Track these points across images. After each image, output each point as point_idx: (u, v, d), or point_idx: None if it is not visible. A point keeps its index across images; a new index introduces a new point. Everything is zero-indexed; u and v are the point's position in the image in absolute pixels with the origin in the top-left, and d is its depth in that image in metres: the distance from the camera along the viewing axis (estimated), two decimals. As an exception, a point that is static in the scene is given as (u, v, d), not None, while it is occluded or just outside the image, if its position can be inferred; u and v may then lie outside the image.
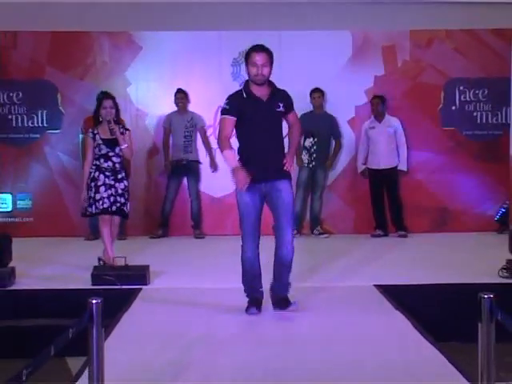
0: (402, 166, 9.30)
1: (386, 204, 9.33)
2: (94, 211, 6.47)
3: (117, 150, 6.46)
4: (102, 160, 6.44)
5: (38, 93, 9.39)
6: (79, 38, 9.47)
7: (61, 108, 9.47)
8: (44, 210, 9.40)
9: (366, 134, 9.27)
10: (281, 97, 5.25)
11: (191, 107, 9.34)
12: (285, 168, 5.20)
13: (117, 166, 6.48)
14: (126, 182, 6.55)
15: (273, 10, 9.31)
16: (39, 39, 9.44)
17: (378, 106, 9.20)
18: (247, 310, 5.17)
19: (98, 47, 9.51)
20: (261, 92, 5.17)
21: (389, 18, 9.93)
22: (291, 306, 5.17)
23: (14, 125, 9.44)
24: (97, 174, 6.43)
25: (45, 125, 9.48)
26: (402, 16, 9.93)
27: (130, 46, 9.54)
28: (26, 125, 9.46)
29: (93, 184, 6.43)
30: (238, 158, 5.19)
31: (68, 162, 9.45)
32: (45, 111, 9.46)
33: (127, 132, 6.61)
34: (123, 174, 6.53)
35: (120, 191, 6.46)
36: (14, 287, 6.07)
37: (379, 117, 9.24)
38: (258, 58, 5.06)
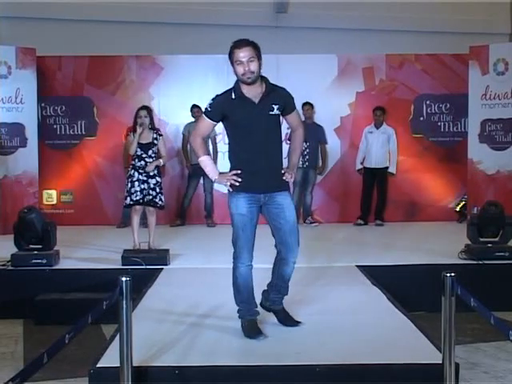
0: (392, 169, 9.24)
1: (372, 198, 9.24)
2: (128, 202, 6.48)
3: (149, 152, 6.47)
4: (136, 160, 6.48)
5: (78, 106, 9.40)
6: (111, 61, 9.48)
7: (96, 119, 9.47)
8: (83, 203, 9.40)
9: (366, 137, 9.21)
10: (277, 97, 3.79)
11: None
12: (284, 178, 3.83)
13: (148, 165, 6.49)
14: (158, 178, 6.52)
15: (271, 37, 9.35)
16: (79, 62, 9.44)
17: (375, 114, 9.13)
18: (253, 336, 3.83)
19: (127, 68, 9.52)
20: (253, 92, 3.74)
21: (368, 44, 10.02)
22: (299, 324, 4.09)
23: (58, 133, 9.45)
24: (132, 171, 6.47)
25: (83, 132, 9.48)
26: (379, 42, 10.02)
27: (153, 67, 9.54)
28: (68, 132, 9.47)
29: (129, 180, 6.48)
30: (229, 164, 3.87)
31: (102, 163, 9.45)
32: (83, 121, 9.45)
33: (161, 138, 6.57)
34: (155, 172, 6.50)
35: (152, 185, 6.46)
36: (58, 266, 6.08)
37: (378, 124, 9.18)
38: (242, 55, 3.70)
